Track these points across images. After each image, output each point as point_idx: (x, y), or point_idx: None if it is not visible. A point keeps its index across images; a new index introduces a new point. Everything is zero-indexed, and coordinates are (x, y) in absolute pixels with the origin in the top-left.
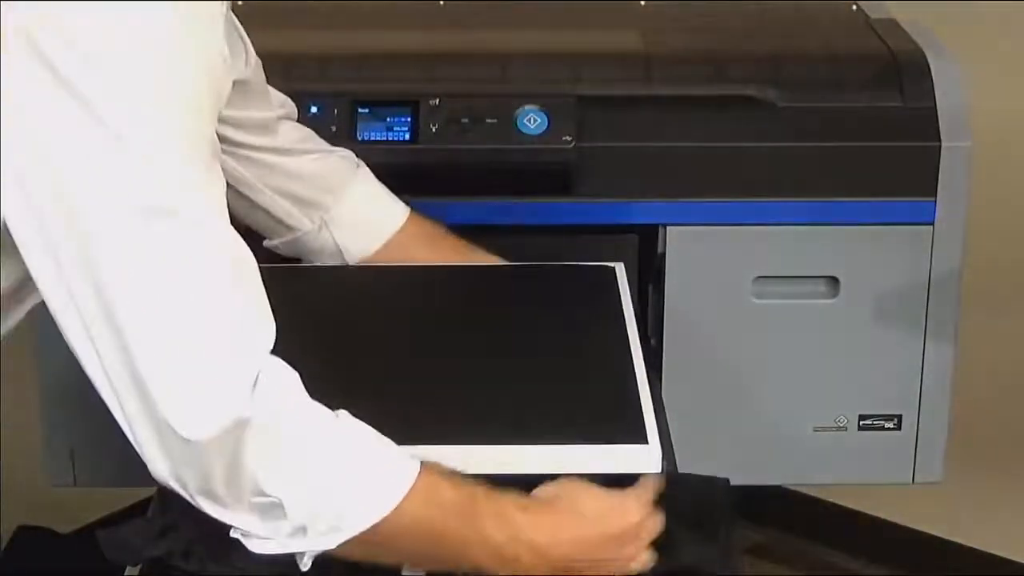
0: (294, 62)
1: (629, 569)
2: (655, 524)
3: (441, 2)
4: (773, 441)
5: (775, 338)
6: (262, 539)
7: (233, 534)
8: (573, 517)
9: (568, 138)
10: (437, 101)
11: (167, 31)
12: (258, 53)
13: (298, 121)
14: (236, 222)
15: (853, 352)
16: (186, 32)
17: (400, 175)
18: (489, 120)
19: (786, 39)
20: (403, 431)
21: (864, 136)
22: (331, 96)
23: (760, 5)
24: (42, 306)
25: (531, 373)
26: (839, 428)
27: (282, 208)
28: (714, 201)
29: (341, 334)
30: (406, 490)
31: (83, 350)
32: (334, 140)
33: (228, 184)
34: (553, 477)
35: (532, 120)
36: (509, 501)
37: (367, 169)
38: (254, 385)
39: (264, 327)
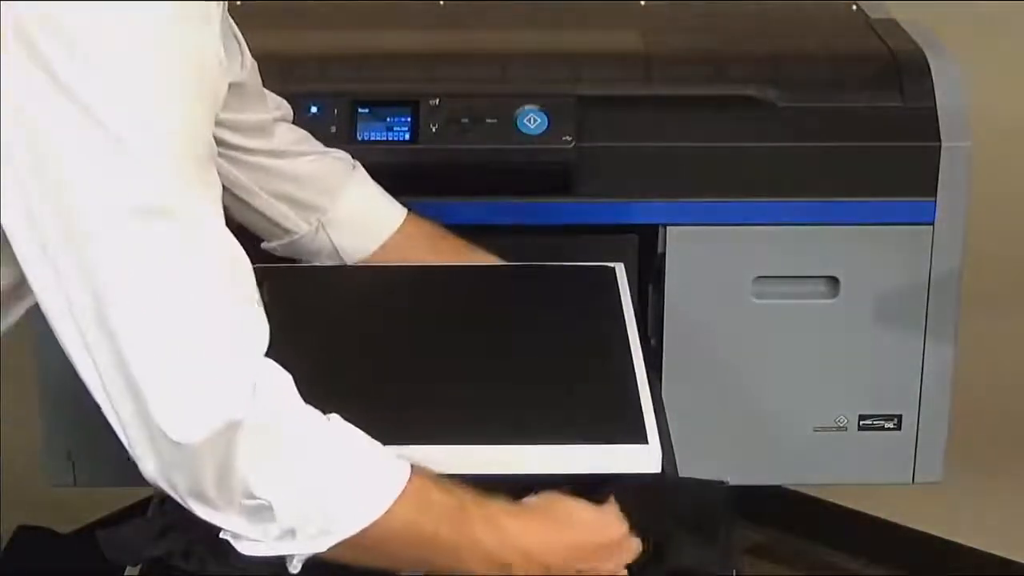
0: (293, 62)
1: None
2: (636, 543)
3: (441, 2)
4: (773, 441)
5: (775, 338)
6: (252, 541)
7: (223, 536)
8: (563, 525)
9: (568, 138)
10: (437, 101)
11: (166, 32)
12: (257, 53)
13: (298, 122)
14: (229, 223)
15: (853, 352)
16: (184, 33)
17: (400, 175)
18: (489, 120)
19: (786, 39)
20: (403, 431)
21: (864, 136)
22: (331, 96)
23: (760, 5)
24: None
25: (531, 373)
26: (839, 428)
27: (279, 211)
28: (714, 201)
29: (341, 334)
30: (396, 494)
31: (78, 353)
32: (334, 140)
33: (224, 187)
34: (553, 477)
35: (532, 120)
36: (498, 507)
37: (363, 170)
38: (251, 387)
39: (259, 329)
